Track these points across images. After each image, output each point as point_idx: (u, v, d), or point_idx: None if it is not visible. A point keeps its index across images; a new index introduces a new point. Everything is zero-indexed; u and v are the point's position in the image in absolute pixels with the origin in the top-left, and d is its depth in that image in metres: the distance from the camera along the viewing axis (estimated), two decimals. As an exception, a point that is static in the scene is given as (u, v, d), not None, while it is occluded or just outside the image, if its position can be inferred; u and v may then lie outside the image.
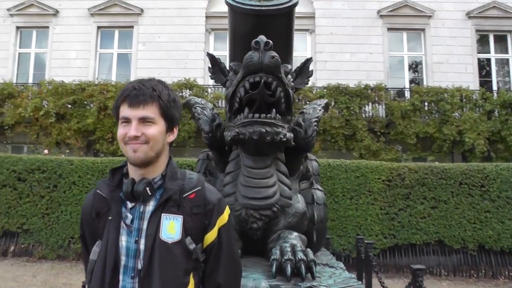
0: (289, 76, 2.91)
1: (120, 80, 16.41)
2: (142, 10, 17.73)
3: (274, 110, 2.59)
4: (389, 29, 16.81)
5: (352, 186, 9.58)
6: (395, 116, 14.06)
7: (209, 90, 16.37)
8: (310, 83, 15.85)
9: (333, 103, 14.81)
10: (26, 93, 15.06)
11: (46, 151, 12.74)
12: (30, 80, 16.93)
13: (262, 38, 2.50)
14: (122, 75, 17.27)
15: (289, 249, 2.47)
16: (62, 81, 15.15)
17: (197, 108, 3.36)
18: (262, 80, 2.54)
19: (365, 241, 7.19)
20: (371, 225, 9.48)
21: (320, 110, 3.38)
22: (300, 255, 2.40)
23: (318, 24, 17.11)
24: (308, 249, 2.52)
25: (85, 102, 14.94)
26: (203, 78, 17.61)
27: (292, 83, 2.94)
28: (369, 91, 14.67)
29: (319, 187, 3.30)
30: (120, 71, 17.73)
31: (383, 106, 14.72)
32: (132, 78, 15.80)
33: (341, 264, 3.04)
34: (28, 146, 15.59)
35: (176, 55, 17.84)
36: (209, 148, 3.33)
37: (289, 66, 3.02)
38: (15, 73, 17.41)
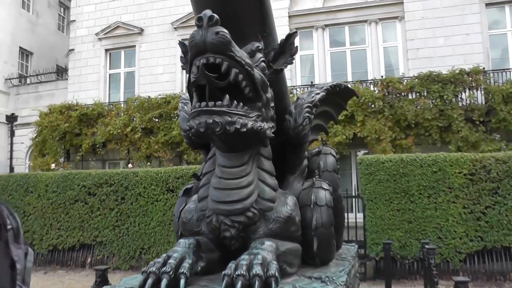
0: (258, 54, 2.47)
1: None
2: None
3: (227, 96, 2.17)
4: (487, 4, 14.92)
5: (429, 182, 8.53)
6: (496, 102, 12.37)
7: (294, 91, 15.96)
8: (399, 74, 14.87)
9: (425, 93, 13.53)
10: (114, 112, 16.08)
11: (130, 165, 13.40)
12: (122, 99, 18.16)
13: (206, 12, 2.14)
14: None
15: (245, 262, 2.09)
16: (149, 96, 15.92)
17: (180, 103, 3.13)
18: (201, 61, 2.15)
19: (426, 246, 6.31)
20: (453, 227, 8.33)
21: (317, 94, 2.96)
22: (257, 269, 2.02)
23: (407, 10, 15.85)
24: (273, 262, 2.11)
25: (171, 115, 15.47)
26: (290, 79, 17.29)
27: (264, 63, 2.47)
28: (465, 76, 13.07)
29: (325, 186, 2.76)
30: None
31: (482, 92, 13.03)
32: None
33: (343, 278, 2.54)
34: (117, 162, 16.68)
35: (264, 59, 17.77)
36: (190, 147, 3.07)
37: (257, 44, 2.53)
38: (107, 93, 18.81)
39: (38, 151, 16.99)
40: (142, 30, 18.42)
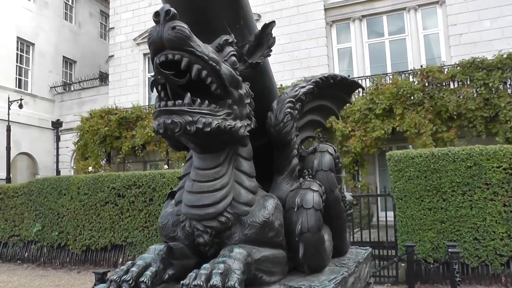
0: (228, 48, 2.32)
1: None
2: (259, 15, 17.68)
3: (188, 94, 2.03)
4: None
5: (463, 178, 7.80)
6: (549, 87, 11.28)
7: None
8: (439, 62, 13.96)
9: (468, 82, 12.60)
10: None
11: (166, 166, 13.38)
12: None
13: (163, 7, 2.00)
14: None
15: (204, 271, 1.95)
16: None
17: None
18: (160, 59, 2.01)
19: (449, 250, 5.72)
20: (492, 227, 7.57)
21: (302, 87, 2.77)
22: (215, 280, 1.88)
23: (449, -7, 14.88)
24: (235, 272, 1.95)
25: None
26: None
27: (235, 58, 2.33)
28: (513, 60, 12.06)
29: (314, 187, 2.55)
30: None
31: (533, 77, 11.96)
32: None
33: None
34: (155, 164, 16.77)
35: (298, 55, 17.41)
36: (173, 148, 2.88)
37: (226, 37, 2.36)
38: (146, 96, 19.00)
39: (81, 155, 17.48)
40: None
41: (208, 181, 2.25)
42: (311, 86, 2.80)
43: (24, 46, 21.35)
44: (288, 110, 2.61)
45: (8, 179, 16.85)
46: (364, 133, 13.82)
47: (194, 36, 2.02)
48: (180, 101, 2.01)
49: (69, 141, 19.60)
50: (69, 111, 20.68)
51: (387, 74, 14.79)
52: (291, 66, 17.19)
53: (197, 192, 2.25)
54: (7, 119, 17.49)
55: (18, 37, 20.74)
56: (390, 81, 14.00)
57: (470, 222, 7.69)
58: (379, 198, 11.12)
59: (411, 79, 13.74)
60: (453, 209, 7.81)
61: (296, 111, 2.67)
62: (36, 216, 11.48)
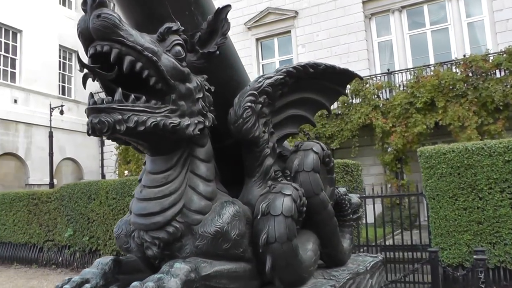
0: (171, 37, 2.07)
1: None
2: (296, 12, 17.36)
3: (119, 90, 1.84)
4: None
5: (501, 174, 7.13)
6: None
7: (370, 81, 14.93)
8: (483, 50, 13.06)
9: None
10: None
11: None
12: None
13: None
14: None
15: None
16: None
17: None
18: (90, 51, 1.85)
19: (475, 256, 5.19)
20: (535, 227, 6.87)
21: (268, 78, 2.45)
22: None
23: (494, -24, 13.94)
24: None
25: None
26: (368, 69, 16.23)
27: (180, 47, 2.07)
28: None
29: (287, 191, 2.29)
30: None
31: None
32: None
33: None
34: None
35: (337, 50, 16.96)
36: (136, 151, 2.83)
37: (168, 25, 2.11)
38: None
39: (122, 159, 17.79)
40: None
41: (156, 186, 2.05)
42: (280, 77, 2.49)
43: (66, 53, 22.20)
44: (248, 104, 2.32)
45: (51, 184, 17.46)
46: (405, 128, 13.24)
47: (125, 25, 1.84)
48: (110, 98, 1.82)
49: (112, 145, 20.11)
50: (113, 117, 21.30)
51: (428, 65, 14.03)
52: (330, 61, 16.66)
53: (144, 199, 2.05)
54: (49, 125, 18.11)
55: (60, 45, 21.53)
56: (432, 73, 13.27)
57: (510, 223, 7.02)
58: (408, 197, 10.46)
59: (453, 70, 12.95)
60: (491, 209, 7.15)
61: (260, 105, 2.38)
62: (68, 221, 11.70)
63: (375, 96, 14.40)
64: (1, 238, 12.90)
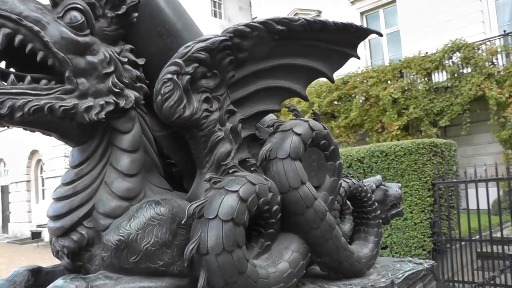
0: (66, 2, 1.79)
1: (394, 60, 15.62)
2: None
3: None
4: None
5: None
6: None
7: (483, 46, 13.67)
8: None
9: None
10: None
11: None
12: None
13: None
14: (394, 56, 16.46)
15: None
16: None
17: None
18: None
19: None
20: None
21: (199, 42, 1.93)
22: None
23: None
24: None
25: (351, 95, 15.11)
26: (484, 33, 14.88)
27: (76, 13, 1.78)
28: None
29: (233, 187, 1.80)
30: (392, 52, 17.02)
31: None
32: (403, 57, 15.14)
33: None
34: None
35: (442, 17, 15.68)
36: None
37: None
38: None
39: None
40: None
41: (68, 183, 1.82)
42: (222, 38, 1.96)
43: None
44: (168, 76, 1.82)
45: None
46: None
47: None
48: None
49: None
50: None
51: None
52: (436, 31, 15.62)
53: (56, 198, 1.83)
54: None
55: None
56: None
57: None
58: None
59: None
60: None
61: (189, 77, 1.87)
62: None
63: (489, 64, 13.20)
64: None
